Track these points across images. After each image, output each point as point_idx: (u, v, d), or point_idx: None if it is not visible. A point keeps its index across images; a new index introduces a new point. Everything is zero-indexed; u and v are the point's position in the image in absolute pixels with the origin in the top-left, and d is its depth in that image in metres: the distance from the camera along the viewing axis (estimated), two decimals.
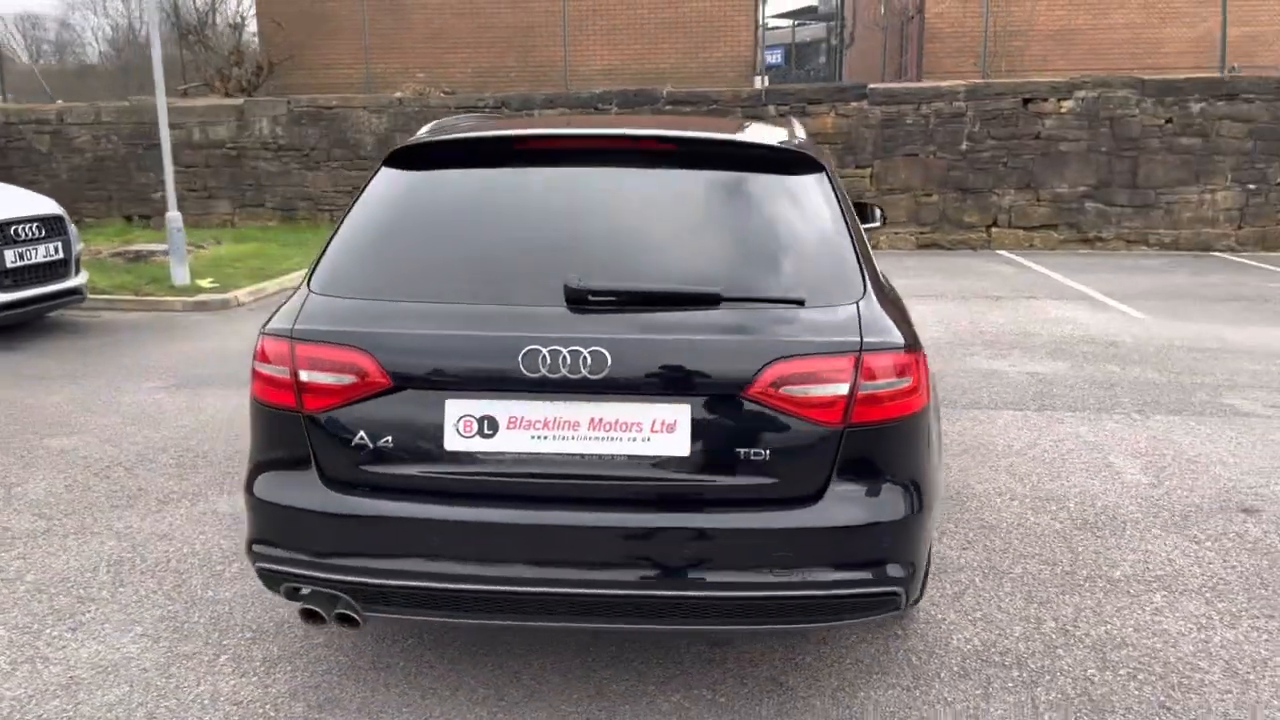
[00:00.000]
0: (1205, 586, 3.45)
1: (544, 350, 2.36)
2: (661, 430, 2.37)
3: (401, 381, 2.44)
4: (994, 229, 13.07)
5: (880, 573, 2.40)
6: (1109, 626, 3.18)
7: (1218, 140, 12.55)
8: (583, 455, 2.39)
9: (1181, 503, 4.23)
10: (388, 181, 2.82)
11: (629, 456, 2.38)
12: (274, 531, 2.56)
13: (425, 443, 2.44)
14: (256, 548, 2.58)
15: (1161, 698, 2.78)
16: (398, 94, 14.72)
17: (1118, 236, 12.87)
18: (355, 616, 2.52)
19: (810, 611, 2.43)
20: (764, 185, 2.71)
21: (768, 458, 2.37)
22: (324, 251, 2.71)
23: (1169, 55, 16.14)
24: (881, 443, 2.41)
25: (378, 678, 2.92)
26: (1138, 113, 12.62)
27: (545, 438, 2.40)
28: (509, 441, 2.41)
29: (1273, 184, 12.58)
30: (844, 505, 2.38)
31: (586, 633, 3.10)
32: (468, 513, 2.41)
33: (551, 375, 2.36)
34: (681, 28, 17.31)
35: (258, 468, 2.63)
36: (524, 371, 2.37)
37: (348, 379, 2.46)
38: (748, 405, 2.36)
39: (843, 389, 2.36)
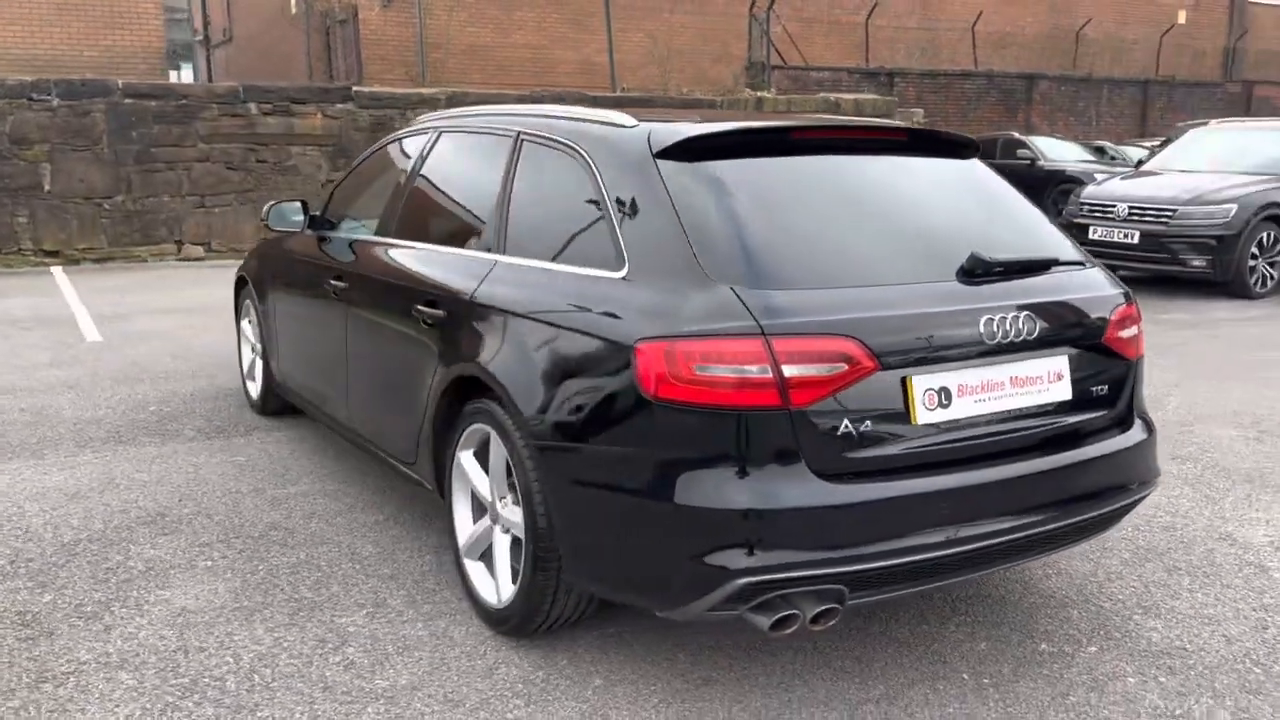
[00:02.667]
0: None
1: (995, 318, 2.62)
2: (1054, 379, 2.78)
3: (886, 363, 2.47)
4: None
5: (1154, 478, 3.08)
6: None
7: None
8: (1008, 411, 2.69)
9: None
10: (692, 172, 2.73)
11: (1036, 406, 2.74)
12: (761, 537, 2.38)
13: (899, 420, 2.52)
14: (723, 560, 2.37)
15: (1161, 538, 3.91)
16: None
17: None
18: (839, 608, 2.48)
19: (1112, 520, 3.01)
20: (970, 167, 3.19)
21: (1107, 392, 2.91)
22: (701, 247, 2.55)
23: (562, 74, 18.47)
24: (1139, 372, 3.10)
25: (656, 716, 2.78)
26: None
27: (983, 400, 2.65)
28: (961, 408, 2.60)
29: None
30: (1142, 425, 3.02)
31: None
32: (942, 481, 2.55)
33: (1004, 340, 2.63)
34: (76, 11, 14.98)
35: (682, 477, 2.41)
36: (984, 340, 2.60)
37: (836, 368, 2.42)
38: (1101, 349, 2.88)
39: (1136, 329, 3.01)
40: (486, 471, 3.14)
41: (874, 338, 2.47)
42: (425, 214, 3.78)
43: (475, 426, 3.10)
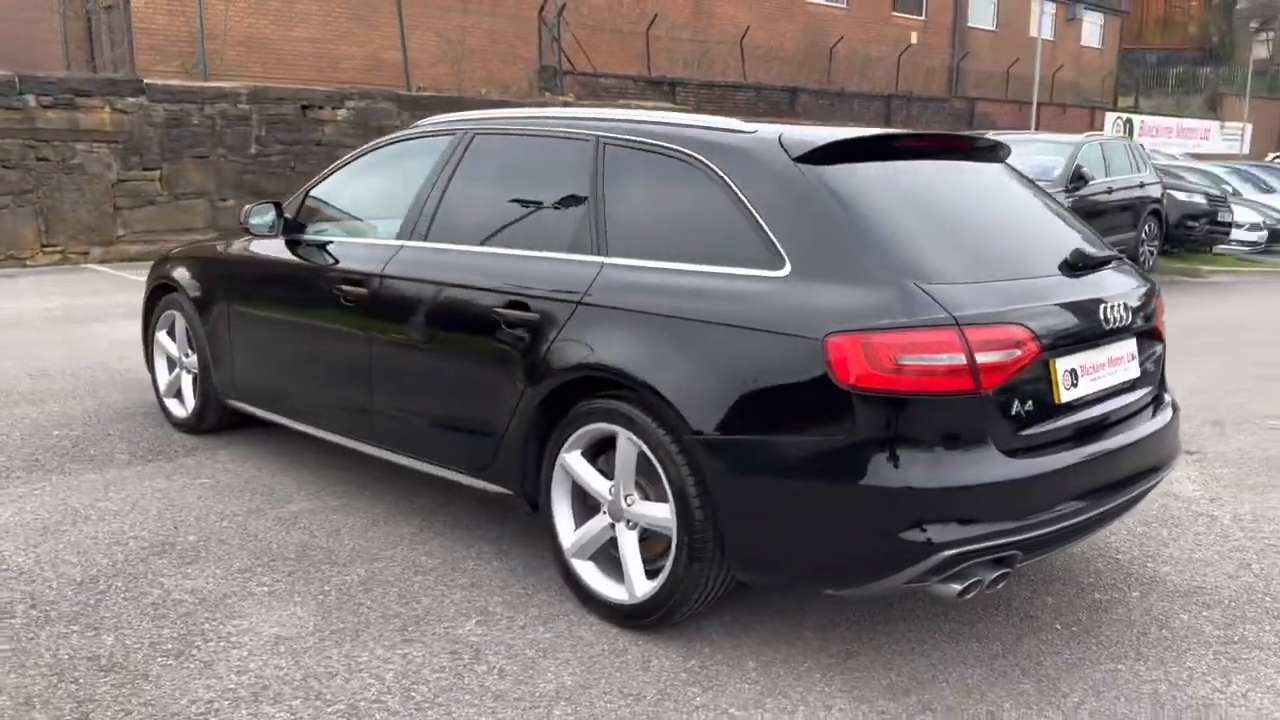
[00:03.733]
0: None
1: (1109, 306, 2.98)
2: (1130, 360, 3.16)
3: (1045, 349, 2.75)
4: None
5: (1180, 451, 3.53)
6: None
7: None
8: (1108, 388, 3.04)
9: None
10: (835, 175, 2.91)
11: (1121, 384, 3.11)
12: (960, 512, 2.59)
13: (1048, 400, 2.81)
14: (925, 535, 2.55)
15: None
16: None
17: None
18: (1011, 572, 2.73)
19: (1151, 491, 3.44)
20: (1008, 169, 3.54)
21: (1154, 370, 3.34)
22: (870, 244, 2.72)
23: (348, 71, 17.77)
24: (1165, 355, 3.55)
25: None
26: (399, 123, 13.99)
27: (1096, 378, 2.98)
28: (1084, 387, 2.93)
29: None
30: (1170, 404, 3.47)
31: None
32: (1083, 452, 2.86)
33: (1116, 325, 2.99)
34: None
35: (876, 459, 2.59)
36: (1103, 325, 2.95)
37: (1013, 353, 2.66)
38: (1151, 333, 3.30)
39: (1162, 315, 3.46)
40: (600, 471, 3.15)
41: (1037, 324, 2.75)
42: (478, 218, 3.66)
43: (591, 426, 3.10)
